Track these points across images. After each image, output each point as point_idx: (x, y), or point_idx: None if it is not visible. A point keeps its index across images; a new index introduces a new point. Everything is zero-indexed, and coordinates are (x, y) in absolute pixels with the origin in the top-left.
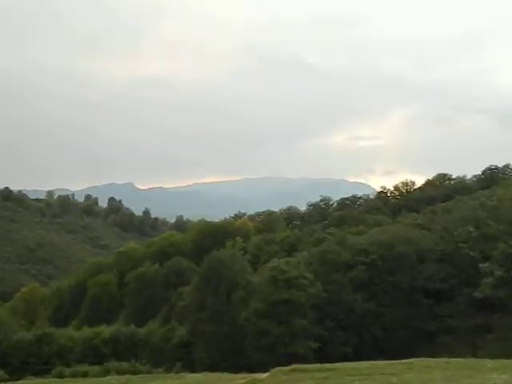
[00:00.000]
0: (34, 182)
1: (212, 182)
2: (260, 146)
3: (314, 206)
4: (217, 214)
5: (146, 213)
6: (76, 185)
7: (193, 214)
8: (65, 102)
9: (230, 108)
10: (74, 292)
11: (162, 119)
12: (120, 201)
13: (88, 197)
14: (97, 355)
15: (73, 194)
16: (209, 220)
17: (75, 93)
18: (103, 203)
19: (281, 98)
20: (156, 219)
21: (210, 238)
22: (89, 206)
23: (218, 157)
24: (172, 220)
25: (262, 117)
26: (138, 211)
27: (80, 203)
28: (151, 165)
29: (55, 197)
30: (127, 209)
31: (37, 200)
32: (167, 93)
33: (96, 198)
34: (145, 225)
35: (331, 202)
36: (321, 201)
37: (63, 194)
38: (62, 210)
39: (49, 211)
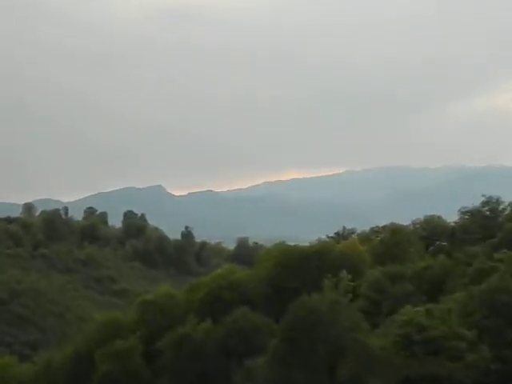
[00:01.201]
0: (3, 192)
1: (292, 180)
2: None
3: (471, 213)
4: (302, 230)
5: (187, 234)
6: (69, 193)
7: (264, 233)
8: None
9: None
10: (74, 369)
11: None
12: (143, 215)
13: (90, 211)
14: None
15: (65, 208)
16: (292, 242)
17: None
18: (115, 220)
19: None
20: (204, 244)
21: (296, 274)
22: (92, 227)
23: (301, 143)
24: (230, 244)
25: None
26: (172, 231)
27: (77, 222)
28: (189, 158)
29: (37, 213)
30: (156, 229)
31: (7, 220)
32: None
33: (103, 214)
34: (186, 254)
35: (502, 206)
36: (484, 203)
37: (49, 207)
38: (48, 235)
39: (27, 237)
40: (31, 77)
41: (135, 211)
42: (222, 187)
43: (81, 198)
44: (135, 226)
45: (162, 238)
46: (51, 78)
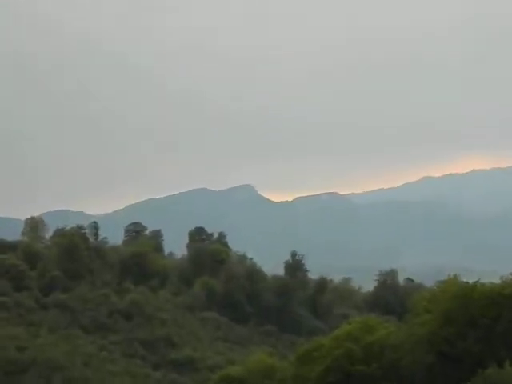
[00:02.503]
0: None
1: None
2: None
3: None
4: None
5: (295, 265)
6: (96, 202)
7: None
8: None
9: None
10: None
11: None
12: (222, 235)
13: (134, 229)
14: None
15: (93, 225)
16: (465, 276)
17: None
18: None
19: None
20: (323, 282)
21: (477, 331)
22: (140, 256)
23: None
24: (366, 281)
25: None
26: (268, 256)
27: (114, 247)
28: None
29: (48, 233)
30: (243, 257)
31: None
32: None
33: (156, 235)
34: (293, 299)
35: None
36: None
37: (67, 222)
38: (67, 270)
39: (34, 274)
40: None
41: (206, 227)
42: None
43: (108, 211)
44: (209, 252)
45: (252, 273)
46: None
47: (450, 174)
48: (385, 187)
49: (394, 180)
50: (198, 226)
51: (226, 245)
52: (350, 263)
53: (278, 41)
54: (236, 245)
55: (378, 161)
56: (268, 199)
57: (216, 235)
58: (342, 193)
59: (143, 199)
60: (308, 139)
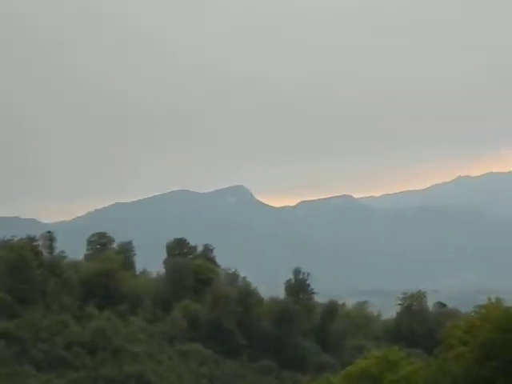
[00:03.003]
0: None
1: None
2: None
3: None
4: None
5: (298, 286)
6: (46, 211)
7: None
8: None
9: None
10: None
11: None
12: (207, 248)
13: (98, 240)
14: None
15: (46, 235)
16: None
17: None
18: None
19: None
20: (334, 306)
21: None
22: (105, 274)
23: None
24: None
25: None
26: (266, 274)
27: (73, 262)
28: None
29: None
30: (233, 274)
31: None
32: None
33: (126, 247)
34: (295, 326)
35: None
36: None
37: (14, 231)
38: (13, 290)
39: None
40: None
41: (188, 237)
42: (363, 191)
43: (77, 215)
44: (192, 270)
45: (246, 295)
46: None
47: (491, 173)
48: (410, 189)
49: (421, 181)
50: (178, 236)
51: (212, 260)
52: (366, 283)
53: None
54: (225, 260)
55: (401, 159)
56: (265, 204)
57: (200, 248)
58: (356, 196)
59: (110, 204)
60: (313, 134)
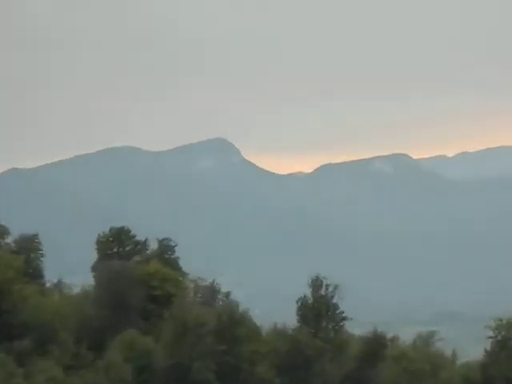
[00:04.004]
0: None
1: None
2: None
3: None
4: None
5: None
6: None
7: None
8: None
9: None
10: None
11: None
12: (146, 244)
13: None
14: None
15: None
16: None
17: None
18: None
19: None
20: (381, 339)
21: None
22: None
23: None
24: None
25: None
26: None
27: None
28: None
29: None
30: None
31: None
32: None
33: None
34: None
35: None
36: None
37: None
38: None
39: None
40: None
41: (132, 225)
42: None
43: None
44: (140, 281)
45: (231, 321)
46: None
47: None
48: (504, 145)
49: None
50: (114, 223)
51: (174, 264)
52: (429, 302)
53: None
54: (198, 262)
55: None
56: (262, 169)
57: (155, 244)
58: (415, 157)
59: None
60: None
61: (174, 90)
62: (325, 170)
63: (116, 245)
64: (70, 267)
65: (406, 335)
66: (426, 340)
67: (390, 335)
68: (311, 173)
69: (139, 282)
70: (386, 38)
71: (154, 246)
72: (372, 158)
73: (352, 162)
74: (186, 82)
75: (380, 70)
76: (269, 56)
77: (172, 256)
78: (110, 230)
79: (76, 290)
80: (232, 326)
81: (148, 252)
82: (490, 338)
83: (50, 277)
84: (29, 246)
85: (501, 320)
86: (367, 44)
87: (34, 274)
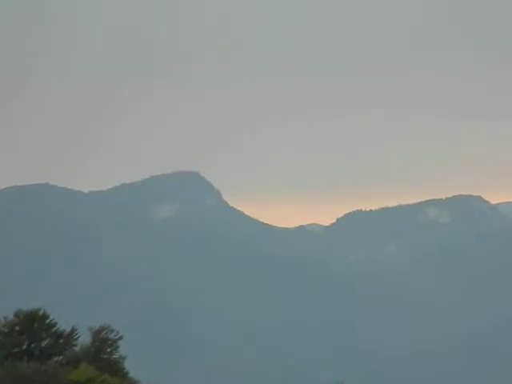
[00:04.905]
0: None
1: None
2: None
3: None
4: None
5: None
6: None
7: None
8: None
9: None
10: None
11: None
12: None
13: None
14: None
15: None
16: None
17: None
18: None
19: None
20: None
21: None
22: None
23: None
24: None
25: None
26: None
27: None
28: None
29: None
30: None
31: None
32: None
33: None
34: None
35: None
36: None
37: None
38: None
39: None
40: None
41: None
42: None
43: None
44: None
45: None
46: None
47: None
48: None
49: None
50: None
51: (116, 367)
52: None
53: None
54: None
55: None
56: (252, 218)
57: (87, 336)
58: (492, 201)
59: None
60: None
61: None
62: (350, 217)
63: (26, 339)
64: None
65: None
66: None
67: None
68: (332, 226)
69: None
70: None
71: (85, 338)
72: (420, 203)
73: (378, 209)
74: None
75: None
76: None
77: (113, 356)
78: (16, 314)
79: None
80: None
81: (76, 349)
82: None
83: None
84: None
85: None
86: None
87: None
